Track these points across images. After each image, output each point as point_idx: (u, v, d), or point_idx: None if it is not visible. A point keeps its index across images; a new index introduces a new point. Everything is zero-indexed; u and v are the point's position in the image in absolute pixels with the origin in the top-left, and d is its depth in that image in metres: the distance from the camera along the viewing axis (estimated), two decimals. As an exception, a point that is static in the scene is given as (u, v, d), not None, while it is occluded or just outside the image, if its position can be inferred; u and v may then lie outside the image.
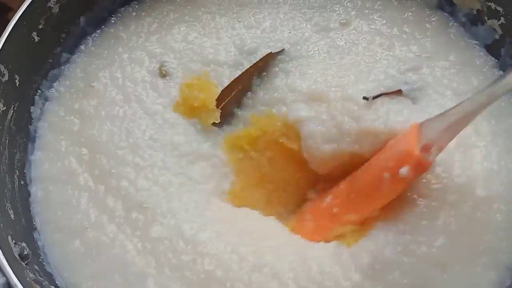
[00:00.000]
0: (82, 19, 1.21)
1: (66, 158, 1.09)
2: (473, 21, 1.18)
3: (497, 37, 1.15)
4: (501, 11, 1.12)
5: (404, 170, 0.92)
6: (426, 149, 0.92)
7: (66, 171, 1.08)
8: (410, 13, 1.22)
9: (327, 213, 1.07)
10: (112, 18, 1.25)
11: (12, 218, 0.98)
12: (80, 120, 1.12)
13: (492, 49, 1.16)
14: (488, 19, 1.15)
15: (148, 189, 1.04)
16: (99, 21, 1.24)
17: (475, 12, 1.17)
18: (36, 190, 1.07)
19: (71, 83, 1.18)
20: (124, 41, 1.21)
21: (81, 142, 1.10)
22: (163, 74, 1.17)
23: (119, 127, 1.11)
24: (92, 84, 1.16)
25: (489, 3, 1.14)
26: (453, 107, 0.90)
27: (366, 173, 1.02)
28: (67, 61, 1.20)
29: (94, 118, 1.12)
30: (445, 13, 1.22)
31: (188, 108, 1.13)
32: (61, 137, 1.12)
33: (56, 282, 0.98)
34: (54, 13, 1.13)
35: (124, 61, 1.18)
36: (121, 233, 1.01)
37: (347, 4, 1.24)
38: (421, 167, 0.93)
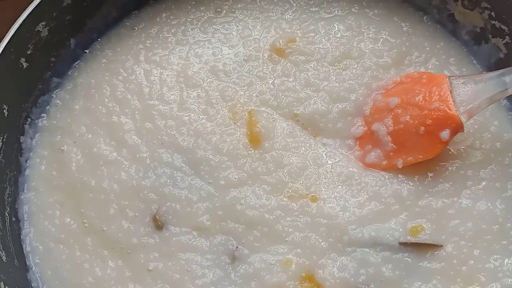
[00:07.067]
0: (72, 41, 1.15)
1: (59, 191, 1.04)
2: (476, 39, 1.16)
3: (501, 56, 1.13)
4: (506, 30, 1.10)
5: (446, 134, 0.97)
6: (469, 115, 0.98)
7: (59, 205, 1.03)
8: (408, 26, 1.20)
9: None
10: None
11: (4, 260, 0.93)
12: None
13: (496, 68, 1.13)
14: (492, 37, 1.13)
15: None
16: (90, 43, 1.19)
17: (478, 30, 1.15)
18: (28, 226, 1.02)
19: (62, 108, 1.12)
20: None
21: (74, 172, 1.05)
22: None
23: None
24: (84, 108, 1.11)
25: (493, 22, 1.12)
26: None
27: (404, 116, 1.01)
28: (57, 86, 1.14)
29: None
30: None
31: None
32: (54, 166, 1.06)
33: (53, 327, 0.93)
34: (43, 36, 1.07)
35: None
36: (119, 271, 0.98)
37: None
38: (459, 129, 0.97)
